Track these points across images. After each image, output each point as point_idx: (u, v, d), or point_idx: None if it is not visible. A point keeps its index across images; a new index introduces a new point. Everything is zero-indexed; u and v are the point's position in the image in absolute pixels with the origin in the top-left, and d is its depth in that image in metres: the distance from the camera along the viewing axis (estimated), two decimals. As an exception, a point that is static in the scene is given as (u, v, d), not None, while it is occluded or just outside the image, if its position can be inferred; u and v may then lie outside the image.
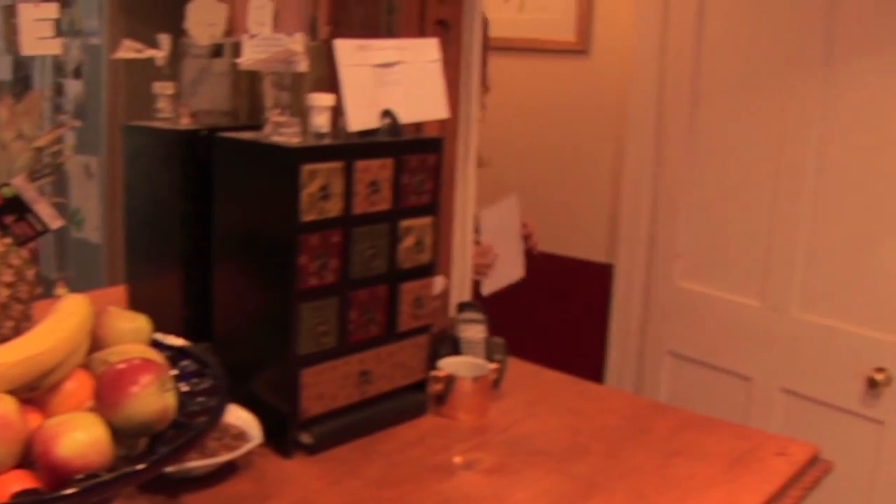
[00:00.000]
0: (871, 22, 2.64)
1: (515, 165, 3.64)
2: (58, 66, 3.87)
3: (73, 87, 3.80)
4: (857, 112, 2.69)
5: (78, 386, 1.30)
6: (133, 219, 2.00)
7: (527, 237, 3.12)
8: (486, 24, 2.76)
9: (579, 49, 3.39)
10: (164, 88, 1.91)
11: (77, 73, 3.77)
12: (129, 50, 1.88)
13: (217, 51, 1.97)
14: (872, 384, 2.72)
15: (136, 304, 1.99)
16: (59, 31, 3.65)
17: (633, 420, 1.96)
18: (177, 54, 1.98)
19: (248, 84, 1.94)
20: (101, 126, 3.64)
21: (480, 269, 2.80)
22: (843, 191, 2.74)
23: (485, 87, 2.92)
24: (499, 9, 3.56)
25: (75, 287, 3.68)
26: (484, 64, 2.82)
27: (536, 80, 3.55)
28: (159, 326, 1.65)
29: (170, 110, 1.90)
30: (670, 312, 3.25)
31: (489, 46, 2.88)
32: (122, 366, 1.26)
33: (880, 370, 2.70)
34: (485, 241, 2.82)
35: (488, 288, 2.91)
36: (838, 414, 2.83)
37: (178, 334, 1.79)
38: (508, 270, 3.02)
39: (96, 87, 3.67)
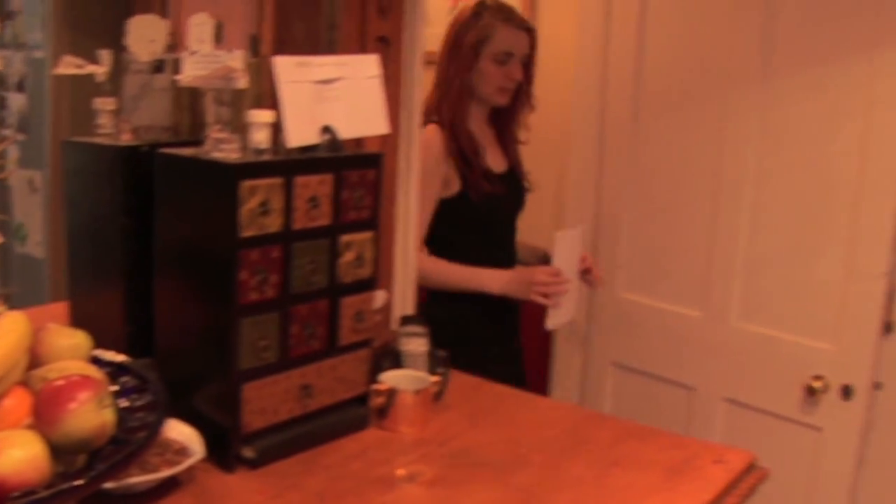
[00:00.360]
0: (807, 38, 2.69)
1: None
2: (1, 80, 3.85)
3: (17, 101, 3.78)
4: (794, 126, 2.74)
5: (16, 403, 1.30)
6: (74, 235, 2.00)
7: (586, 272, 2.95)
8: (533, 38, 2.90)
9: (522, 63, 3.43)
10: (104, 104, 1.91)
11: (20, 87, 3.75)
12: (70, 66, 1.88)
13: (159, 66, 1.98)
14: (811, 392, 2.77)
15: (78, 320, 1.99)
16: (2, 45, 3.63)
17: (574, 431, 1.99)
18: (118, 70, 1.98)
19: (190, 100, 1.95)
20: (45, 140, 3.62)
21: (549, 293, 2.72)
22: (780, 203, 2.79)
23: (530, 105, 2.99)
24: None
25: (19, 302, 3.66)
26: (529, 82, 2.94)
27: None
28: (101, 342, 1.65)
29: (110, 126, 1.90)
30: (613, 324, 3.28)
31: (535, 62, 2.94)
32: (59, 382, 1.26)
33: (818, 378, 2.75)
34: (556, 265, 2.74)
35: (552, 322, 2.81)
36: (778, 421, 2.88)
37: (120, 350, 1.80)
38: (572, 305, 2.89)
39: (40, 100, 3.65)
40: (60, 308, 2.06)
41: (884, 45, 2.56)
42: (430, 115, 2.82)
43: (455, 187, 2.83)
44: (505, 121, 3.00)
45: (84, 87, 1.95)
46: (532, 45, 2.89)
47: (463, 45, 2.84)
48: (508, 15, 2.85)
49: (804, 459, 2.83)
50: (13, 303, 3.72)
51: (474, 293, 2.82)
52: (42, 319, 1.97)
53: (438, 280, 2.81)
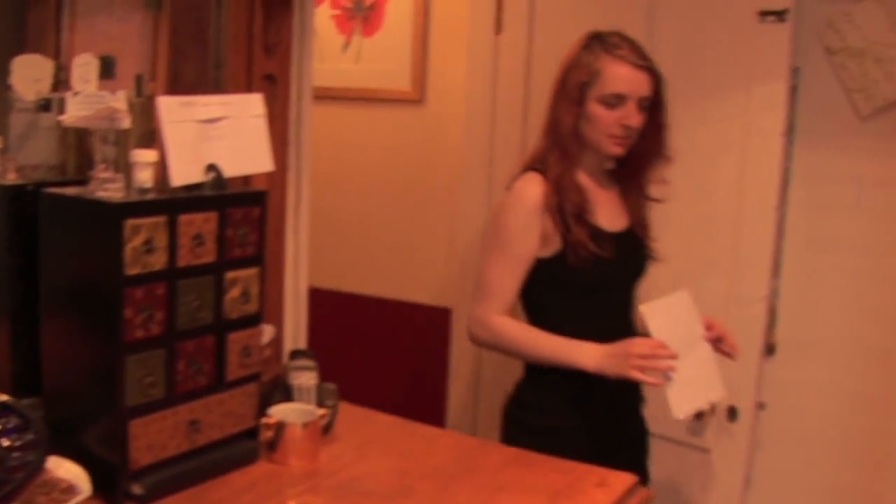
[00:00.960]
0: (688, 73, 2.79)
1: (354, 213, 3.71)
2: None
3: None
4: (678, 157, 2.82)
5: None
6: (-41, 274, 1.99)
7: (716, 341, 2.44)
8: (656, 79, 2.43)
9: (414, 99, 3.49)
10: (-11, 144, 1.91)
11: None
12: (-48, 105, 1.88)
13: (45, 105, 1.99)
14: (698, 415, 2.85)
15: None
16: None
17: (461, 459, 2.03)
18: (4, 108, 1.99)
19: (77, 139, 1.97)
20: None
21: (650, 367, 2.25)
22: (666, 231, 2.87)
23: (661, 156, 2.54)
24: (336, 59, 3.63)
25: None
26: (658, 129, 2.49)
27: (374, 129, 3.63)
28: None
29: (-5, 165, 1.91)
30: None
31: (663, 107, 2.49)
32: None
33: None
34: (657, 338, 2.29)
35: (678, 408, 2.30)
36: (669, 445, 2.95)
37: (6, 389, 1.80)
38: (703, 385, 2.38)
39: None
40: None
41: (758, 79, 2.67)
42: (534, 163, 2.48)
43: (554, 246, 2.41)
44: (630, 173, 2.56)
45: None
46: (655, 87, 2.43)
47: (568, 85, 2.42)
48: (623, 50, 2.38)
49: (694, 481, 2.91)
50: None
51: (572, 369, 2.36)
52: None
53: (527, 351, 2.43)
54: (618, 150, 2.43)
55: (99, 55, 1.92)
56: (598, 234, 2.41)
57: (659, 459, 2.92)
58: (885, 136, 2.72)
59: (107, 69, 2.02)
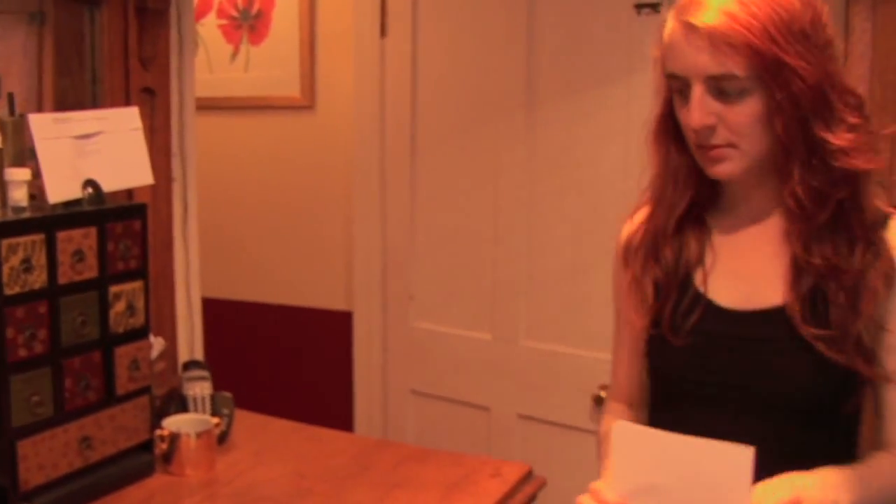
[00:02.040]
0: (569, 68, 2.84)
1: (250, 220, 3.71)
2: None
3: None
4: (563, 150, 2.88)
5: None
6: None
7: None
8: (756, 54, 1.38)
9: (304, 105, 3.50)
10: None
11: None
12: None
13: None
14: (598, 401, 2.90)
15: None
16: None
17: (357, 458, 2.05)
18: None
19: (-48, 161, 1.95)
20: None
21: None
22: (555, 224, 2.92)
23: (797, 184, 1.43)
24: (224, 68, 3.63)
25: None
26: (787, 133, 1.41)
27: (266, 137, 3.63)
28: None
29: None
30: (408, 353, 3.36)
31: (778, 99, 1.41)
32: None
33: (604, 387, 2.88)
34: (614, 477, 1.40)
35: None
36: (571, 432, 2.99)
37: None
38: None
39: None
40: None
41: (637, 72, 2.73)
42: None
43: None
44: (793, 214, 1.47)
45: None
46: (750, 60, 1.37)
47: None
48: (686, 6, 1.43)
49: (596, 466, 2.96)
50: None
51: None
52: None
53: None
54: (712, 170, 1.47)
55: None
56: (699, 309, 1.53)
57: (563, 448, 2.97)
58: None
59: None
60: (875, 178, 1.46)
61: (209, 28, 3.63)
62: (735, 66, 1.36)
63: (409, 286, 3.29)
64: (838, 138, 1.39)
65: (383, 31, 3.24)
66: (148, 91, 2.17)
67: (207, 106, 3.27)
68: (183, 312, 2.35)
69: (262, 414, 2.29)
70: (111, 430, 1.86)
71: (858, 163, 1.40)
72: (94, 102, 2.08)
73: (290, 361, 3.68)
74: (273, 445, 2.12)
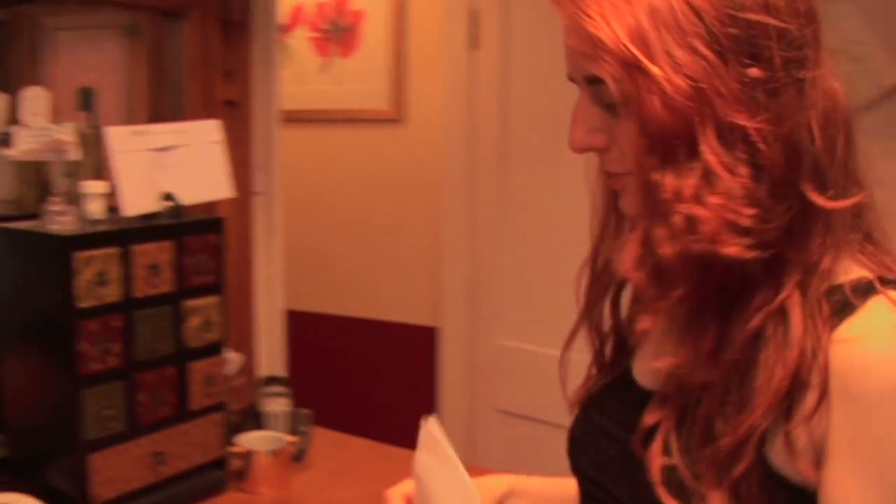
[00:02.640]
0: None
1: (336, 233, 3.69)
2: None
3: None
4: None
5: None
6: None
7: None
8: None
9: (393, 118, 3.47)
10: (-54, 180, 1.90)
11: None
12: None
13: (4, 139, 1.97)
14: None
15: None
16: None
17: (434, 482, 2.00)
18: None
19: (34, 172, 1.95)
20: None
21: None
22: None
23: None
24: (314, 81, 3.62)
25: None
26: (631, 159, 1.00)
27: (354, 149, 3.61)
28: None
29: (-46, 201, 1.90)
30: (496, 372, 3.31)
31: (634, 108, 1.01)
32: None
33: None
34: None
35: None
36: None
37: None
38: None
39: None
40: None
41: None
42: None
43: None
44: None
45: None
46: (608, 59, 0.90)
47: None
48: None
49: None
50: None
51: None
52: None
53: None
54: (619, 204, 1.10)
55: (78, 86, 1.91)
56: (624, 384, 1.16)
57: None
58: (869, 135, 2.68)
59: (86, 100, 2.01)
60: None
61: (300, 40, 3.63)
62: (597, 67, 0.91)
63: (498, 304, 3.24)
64: (683, 200, 0.88)
65: (474, 44, 3.19)
66: (230, 103, 2.15)
67: (297, 118, 3.26)
68: (264, 327, 2.32)
69: (342, 431, 2.26)
70: (184, 446, 1.83)
71: (716, 246, 0.87)
72: (178, 115, 2.07)
73: (373, 377, 3.65)
74: (351, 465, 2.09)
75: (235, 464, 1.93)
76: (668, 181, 0.88)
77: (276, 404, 2.09)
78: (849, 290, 0.89)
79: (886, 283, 0.90)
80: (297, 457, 2.04)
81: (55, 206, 1.67)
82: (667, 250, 0.89)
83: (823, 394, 0.86)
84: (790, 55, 0.88)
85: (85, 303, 1.63)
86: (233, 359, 2.05)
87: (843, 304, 0.89)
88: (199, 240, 1.80)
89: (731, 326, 0.92)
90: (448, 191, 3.32)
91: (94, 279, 1.63)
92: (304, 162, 3.54)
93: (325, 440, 2.18)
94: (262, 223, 2.31)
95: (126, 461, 1.73)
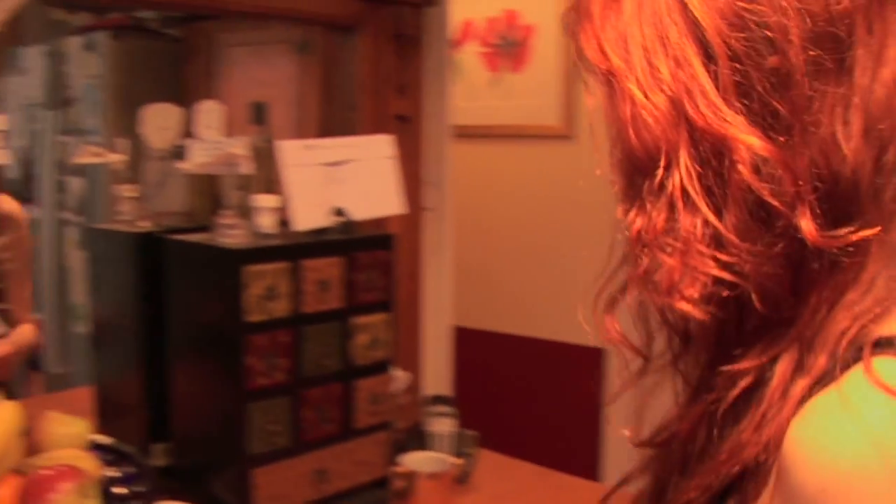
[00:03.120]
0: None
1: (501, 251, 3.65)
2: (60, 164, 3.94)
3: (76, 185, 3.85)
4: None
5: (7, 491, 1.31)
6: (98, 320, 2.02)
7: None
8: None
9: (564, 134, 3.41)
10: (124, 191, 1.93)
11: (78, 171, 3.83)
12: (89, 154, 1.91)
13: (178, 153, 2.00)
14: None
15: (102, 403, 2.00)
16: (61, 131, 3.72)
17: (602, 513, 1.93)
18: (141, 157, 2.01)
19: (208, 185, 1.97)
20: (102, 222, 3.68)
21: None
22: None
23: None
24: (484, 96, 3.59)
25: (74, 381, 3.70)
26: None
27: (524, 166, 3.57)
28: (123, 425, 1.65)
29: (130, 212, 1.92)
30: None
31: None
32: (44, 472, 1.27)
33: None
34: None
35: None
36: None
37: (141, 434, 1.80)
38: None
39: (96, 184, 3.72)
40: (85, 393, 2.07)
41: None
42: None
43: None
44: None
45: (134, 172, 1.98)
46: None
47: None
48: None
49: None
50: (70, 382, 3.76)
51: None
52: (74, 402, 2.00)
53: None
54: None
55: (252, 101, 1.92)
56: None
57: None
58: None
59: (258, 115, 2.02)
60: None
61: (470, 55, 3.61)
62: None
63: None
64: (645, 242, 0.75)
65: (648, 60, 3.12)
66: (402, 118, 2.13)
67: (466, 134, 3.24)
68: (431, 345, 2.29)
69: (506, 453, 2.21)
70: (348, 464, 1.81)
71: (671, 299, 0.73)
72: (349, 130, 2.06)
73: (539, 398, 3.58)
74: (516, 490, 2.03)
75: (398, 484, 1.90)
76: (632, 216, 0.75)
77: (442, 425, 2.05)
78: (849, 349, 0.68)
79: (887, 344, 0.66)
80: (461, 479, 2.00)
81: (227, 219, 1.67)
82: (629, 297, 0.79)
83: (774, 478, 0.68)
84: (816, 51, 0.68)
85: (254, 317, 1.62)
86: (399, 377, 2.02)
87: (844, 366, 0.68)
88: (369, 256, 1.77)
89: (714, 375, 0.76)
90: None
91: (264, 293, 1.62)
92: (473, 178, 3.51)
93: (490, 463, 2.13)
94: (432, 239, 2.28)
95: (289, 477, 1.72)
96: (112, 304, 1.94)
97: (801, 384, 0.68)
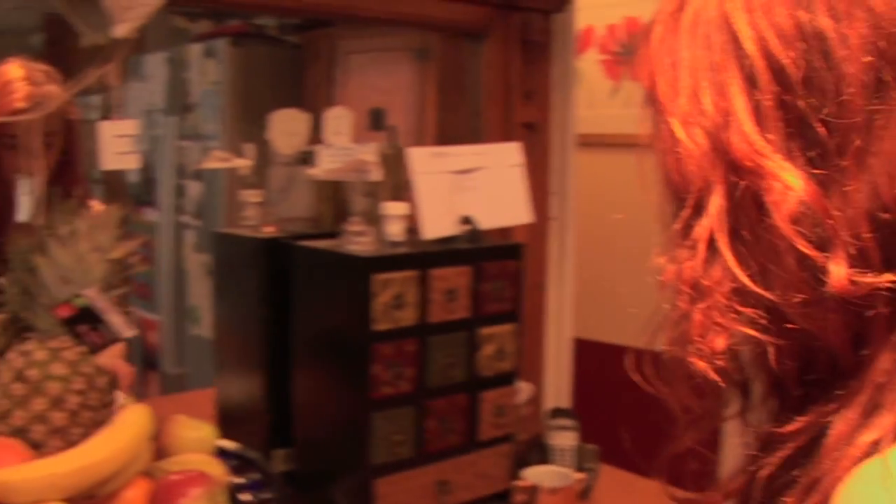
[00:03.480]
0: None
1: (620, 262, 3.59)
2: (180, 169, 4.00)
3: (194, 189, 3.91)
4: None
5: (137, 494, 1.30)
6: (221, 323, 2.02)
7: None
8: None
9: (687, 144, 3.35)
10: (249, 196, 1.93)
11: (197, 176, 3.88)
12: (217, 160, 1.92)
13: (304, 159, 1.99)
14: None
15: (223, 406, 2.01)
16: (180, 136, 3.78)
17: (729, 534, 1.87)
18: (266, 162, 2.01)
19: (332, 191, 1.96)
20: (219, 226, 3.72)
21: None
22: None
23: None
24: (604, 104, 3.54)
25: (191, 383, 3.75)
26: None
27: (645, 177, 3.50)
28: (246, 429, 1.65)
29: (255, 217, 1.92)
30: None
31: None
32: (174, 477, 1.27)
33: None
34: None
35: None
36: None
37: (262, 439, 1.80)
38: None
39: (215, 188, 3.76)
40: (207, 395, 2.08)
41: None
42: None
43: None
44: None
45: (253, 177, 1.98)
46: None
47: None
48: None
49: None
50: (186, 383, 3.81)
51: None
52: (195, 404, 2.01)
53: None
54: None
55: (369, 108, 1.91)
56: None
57: None
58: None
59: (376, 121, 2.02)
60: None
61: (589, 63, 3.56)
62: None
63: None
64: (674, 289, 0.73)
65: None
66: (528, 126, 2.10)
67: (585, 143, 3.19)
68: (552, 357, 2.25)
69: (625, 469, 2.16)
70: (470, 476, 1.78)
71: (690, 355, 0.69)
72: (475, 137, 2.03)
73: (659, 413, 3.51)
74: (637, 508, 1.99)
75: (519, 498, 1.86)
76: (663, 260, 0.71)
77: (564, 438, 2.01)
78: None
79: None
80: (583, 495, 1.95)
81: (355, 226, 1.66)
82: (665, 351, 0.72)
83: None
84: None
85: (380, 325, 1.60)
86: (523, 389, 1.99)
87: None
88: (497, 266, 1.74)
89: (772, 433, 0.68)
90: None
91: (391, 302, 1.60)
92: (591, 187, 3.46)
93: (611, 479, 2.08)
94: (555, 250, 2.24)
95: (411, 488, 1.70)
96: (236, 308, 1.94)
97: (861, 444, 0.59)
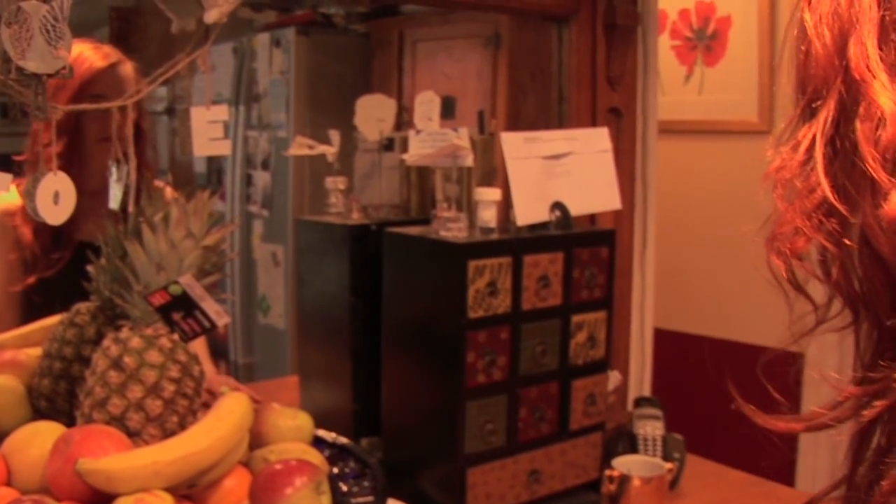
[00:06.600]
0: None
1: (696, 250, 3.54)
2: (248, 159, 4.01)
3: (262, 178, 3.92)
4: None
5: (236, 483, 1.29)
6: (306, 311, 2.02)
7: None
8: None
9: (762, 130, 3.28)
10: (335, 183, 1.92)
11: (265, 165, 3.89)
12: (302, 146, 1.91)
13: (388, 145, 1.98)
14: None
15: (307, 394, 2.00)
16: (247, 126, 3.78)
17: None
18: (349, 149, 2.00)
19: (418, 178, 1.94)
20: (287, 216, 3.73)
21: None
22: None
23: None
24: (677, 90, 3.49)
25: (261, 372, 3.76)
26: None
27: (718, 163, 3.45)
28: (330, 418, 1.64)
29: (341, 204, 1.91)
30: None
31: None
32: (277, 466, 1.25)
33: None
34: None
35: None
36: None
37: (347, 426, 1.79)
38: None
39: (283, 178, 3.77)
40: (292, 382, 2.07)
41: None
42: None
43: None
44: None
45: (323, 166, 1.97)
46: None
47: None
48: None
49: None
50: (255, 372, 3.82)
51: None
52: (277, 392, 2.00)
53: None
54: None
55: (439, 95, 1.89)
56: None
57: None
58: None
59: (447, 108, 2.00)
60: None
61: (662, 49, 3.51)
62: None
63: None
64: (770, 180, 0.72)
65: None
66: (614, 112, 2.07)
67: (660, 129, 3.16)
68: (636, 345, 2.23)
69: (711, 460, 2.12)
70: (561, 466, 1.76)
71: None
72: (561, 122, 2.01)
73: (734, 402, 3.47)
74: (726, 499, 1.95)
75: (609, 487, 1.84)
76: (771, 153, 0.68)
77: (651, 427, 1.98)
78: None
79: None
80: (671, 485, 1.93)
81: (447, 212, 1.64)
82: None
83: None
84: None
85: (475, 313, 1.58)
86: (612, 378, 1.96)
87: None
88: (589, 252, 1.72)
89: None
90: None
91: (486, 289, 1.58)
92: (668, 175, 3.43)
93: (698, 469, 2.05)
94: (638, 237, 2.21)
95: (503, 477, 1.68)
96: (321, 296, 1.93)
97: None
